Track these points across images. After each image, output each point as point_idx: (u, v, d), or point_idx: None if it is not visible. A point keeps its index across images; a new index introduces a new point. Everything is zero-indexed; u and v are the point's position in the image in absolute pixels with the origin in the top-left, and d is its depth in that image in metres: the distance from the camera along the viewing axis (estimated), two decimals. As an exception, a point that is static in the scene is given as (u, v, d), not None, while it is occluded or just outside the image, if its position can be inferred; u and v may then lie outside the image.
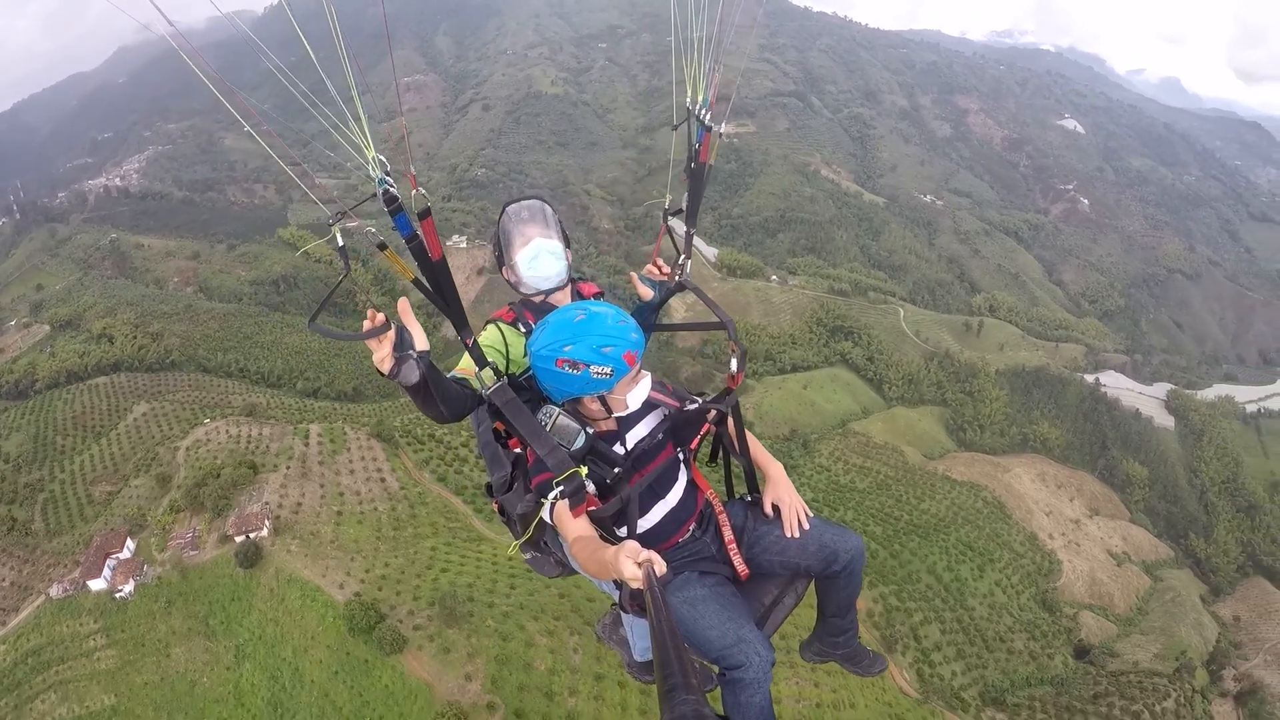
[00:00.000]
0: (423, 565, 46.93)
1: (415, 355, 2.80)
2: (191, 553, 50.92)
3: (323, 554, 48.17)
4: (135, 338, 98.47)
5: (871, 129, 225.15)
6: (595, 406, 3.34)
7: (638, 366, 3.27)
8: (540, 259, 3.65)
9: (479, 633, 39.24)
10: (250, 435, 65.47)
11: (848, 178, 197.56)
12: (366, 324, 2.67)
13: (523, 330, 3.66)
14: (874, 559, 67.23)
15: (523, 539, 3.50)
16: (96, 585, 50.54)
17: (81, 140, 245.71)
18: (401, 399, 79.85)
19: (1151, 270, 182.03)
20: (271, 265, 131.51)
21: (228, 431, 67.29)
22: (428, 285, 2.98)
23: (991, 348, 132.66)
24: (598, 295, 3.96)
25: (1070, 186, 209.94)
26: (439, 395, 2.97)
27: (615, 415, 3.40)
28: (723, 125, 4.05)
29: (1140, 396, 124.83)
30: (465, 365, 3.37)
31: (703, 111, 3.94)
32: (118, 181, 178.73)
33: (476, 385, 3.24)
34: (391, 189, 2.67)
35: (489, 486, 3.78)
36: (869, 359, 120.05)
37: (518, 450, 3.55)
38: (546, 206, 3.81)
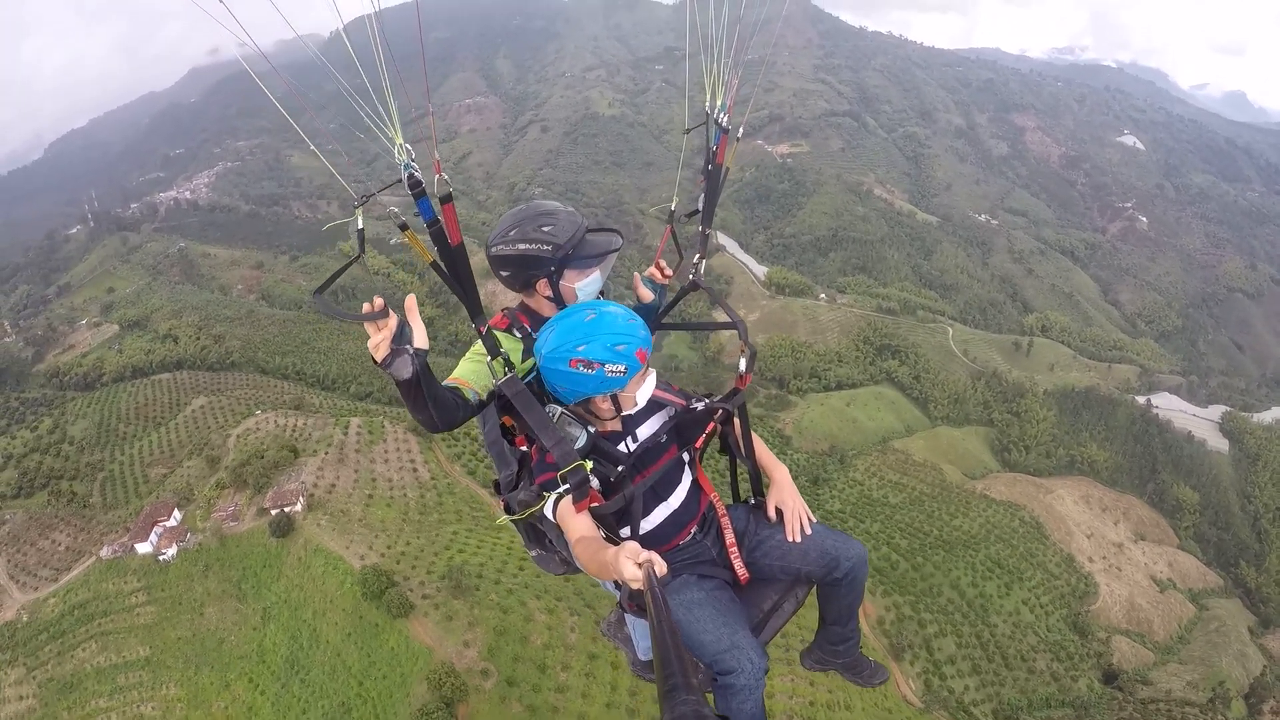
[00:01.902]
0: (441, 546, 49.51)
1: (412, 351, 2.80)
2: (231, 524, 55.00)
3: (349, 530, 51.25)
4: (198, 339, 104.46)
5: (926, 148, 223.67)
6: (606, 405, 3.36)
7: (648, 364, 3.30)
8: (594, 293, 3.71)
9: (481, 605, 41.44)
10: (295, 425, 69.63)
11: (901, 197, 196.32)
12: (366, 307, 2.72)
13: (518, 335, 3.63)
14: (894, 570, 66.84)
15: (515, 517, 3.49)
16: (143, 548, 55.16)
17: (153, 156, 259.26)
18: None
19: (1211, 289, 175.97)
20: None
21: (276, 421, 71.78)
22: (445, 270, 3.06)
23: (1041, 368, 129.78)
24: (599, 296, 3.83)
25: (1129, 204, 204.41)
26: (430, 397, 2.97)
27: (624, 414, 3.44)
28: (740, 130, 4.09)
29: (1194, 419, 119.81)
30: (459, 374, 3.40)
31: (720, 115, 3.96)
32: (188, 195, 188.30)
33: (476, 397, 3.28)
34: (416, 174, 2.77)
35: (496, 484, 3.85)
36: (915, 378, 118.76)
37: (524, 448, 3.62)
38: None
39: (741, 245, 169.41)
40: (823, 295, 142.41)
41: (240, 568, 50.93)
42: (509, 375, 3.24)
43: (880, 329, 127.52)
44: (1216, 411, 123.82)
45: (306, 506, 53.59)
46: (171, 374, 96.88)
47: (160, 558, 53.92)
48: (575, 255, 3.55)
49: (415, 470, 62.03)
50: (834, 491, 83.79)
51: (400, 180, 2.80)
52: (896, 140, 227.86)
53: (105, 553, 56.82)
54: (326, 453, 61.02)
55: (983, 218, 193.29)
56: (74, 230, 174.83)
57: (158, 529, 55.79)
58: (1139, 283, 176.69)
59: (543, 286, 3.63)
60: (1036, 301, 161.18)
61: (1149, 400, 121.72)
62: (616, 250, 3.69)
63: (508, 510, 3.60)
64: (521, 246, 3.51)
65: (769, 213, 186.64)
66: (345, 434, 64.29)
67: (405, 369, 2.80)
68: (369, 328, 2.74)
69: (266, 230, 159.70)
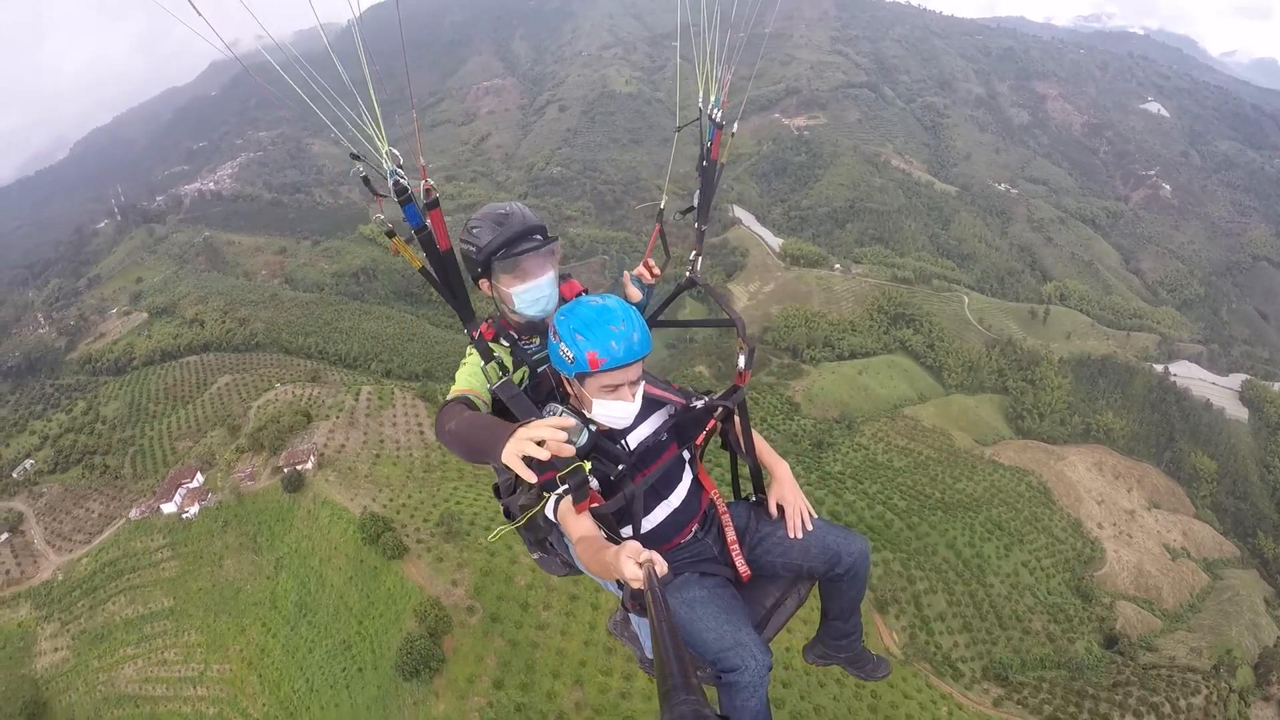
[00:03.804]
0: (441, 499, 52.18)
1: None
2: (249, 483, 58.73)
3: (356, 484, 54.37)
4: (224, 322, 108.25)
5: (945, 118, 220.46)
6: (572, 392, 3.40)
7: (612, 378, 3.23)
8: (539, 301, 3.60)
9: (470, 548, 44.04)
10: (311, 394, 73.25)
11: (920, 168, 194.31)
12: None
13: (505, 343, 3.64)
14: (888, 529, 66.88)
15: (515, 524, 3.48)
16: (168, 508, 59.55)
17: (177, 150, 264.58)
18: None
19: (1236, 258, 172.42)
20: (352, 259, 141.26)
21: (294, 392, 75.48)
22: (435, 276, 3.06)
23: (1058, 336, 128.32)
24: (581, 293, 3.74)
25: (1152, 172, 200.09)
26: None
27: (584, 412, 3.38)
28: (734, 125, 4.08)
29: (1213, 387, 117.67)
30: (465, 385, 3.38)
31: (714, 110, 3.99)
32: (211, 186, 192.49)
33: (480, 406, 3.27)
34: (402, 180, 2.74)
35: (496, 489, 3.80)
36: (929, 346, 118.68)
37: None
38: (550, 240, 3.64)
39: (758, 218, 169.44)
40: (837, 266, 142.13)
41: (256, 522, 54.53)
42: (503, 379, 3.28)
43: (895, 298, 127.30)
44: (1237, 380, 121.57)
45: (317, 465, 56.92)
46: (198, 356, 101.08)
47: (184, 516, 58.25)
48: (500, 258, 3.50)
49: (423, 433, 64.79)
50: (837, 455, 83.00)
51: (388, 167, 2.77)
52: (915, 110, 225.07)
53: (134, 514, 61.50)
54: (338, 417, 64.21)
55: (1002, 187, 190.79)
56: (102, 225, 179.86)
57: (182, 490, 60.08)
58: (1161, 251, 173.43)
59: (485, 286, 3.66)
60: (1055, 270, 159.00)
61: (1167, 368, 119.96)
62: (528, 251, 3.50)
63: (507, 514, 3.65)
64: (462, 245, 3.56)
65: (786, 185, 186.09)
66: (356, 400, 67.46)
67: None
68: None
69: (289, 217, 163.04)
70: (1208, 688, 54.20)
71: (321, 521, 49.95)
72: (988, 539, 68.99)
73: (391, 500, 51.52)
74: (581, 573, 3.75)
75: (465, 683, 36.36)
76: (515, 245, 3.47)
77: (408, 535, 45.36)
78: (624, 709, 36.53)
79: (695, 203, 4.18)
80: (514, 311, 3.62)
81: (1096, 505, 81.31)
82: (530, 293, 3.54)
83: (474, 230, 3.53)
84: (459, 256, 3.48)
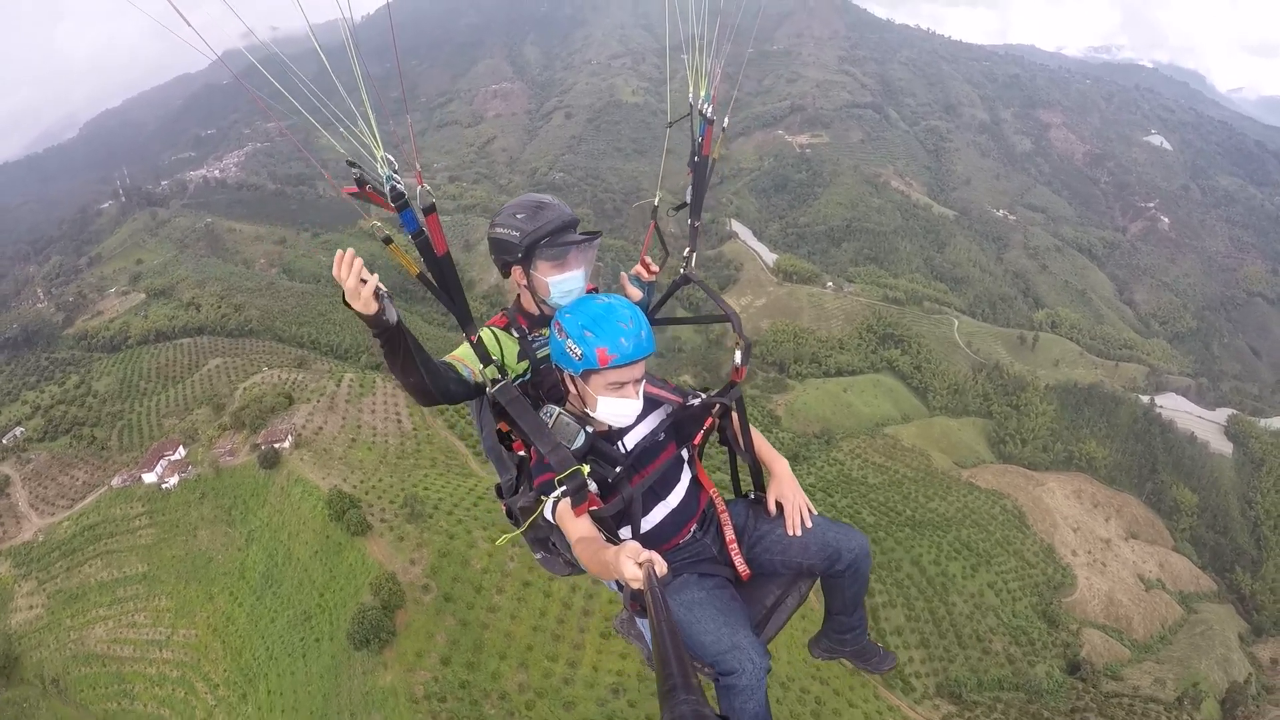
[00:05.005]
0: (410, 484, 53.39)
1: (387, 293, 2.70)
2: (228, 458, 60.42)
3: (330, 465, 55.85)
4: (220, 307, 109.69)
5: (948, 142, 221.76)
6: (573, 390, 3.40)
7: (619, 375, 3.26)
8: (573, 293, 3.59)
9: (431, 530, 45.47)
10: (296, 379, 74.67)
11: (920, 190, 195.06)
12: (347, 259, 2.66)
13: (516, 335, 3.63)
14: None
15: (519, 531, 3.48)
16: (148, 478, 61.58)
17: (185, 136, 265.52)
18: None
19: (1230, 293, 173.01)
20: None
21: (279, 376, 76.90)
22: (433, 281, 3.04)
23: (1046, 363, 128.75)
24: (591, 292, 3.69)
25: (1152, 204, 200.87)
26: (419, 358, 2.93)
27: (586, 412, 3.37)
28: (725, 120, 4.08)
29: (1199, 421, 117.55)
30: (457, 353, 3.40)
31: (705, 105, 3.97)
32: (217, 173, 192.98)
33: (473, 377, 3.26)
34: (399, 186, 2.73)
35: (498, 489, 3.82)
36: (916, 367, 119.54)
37: (522, 453, 3.56)
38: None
39: (755, 233, 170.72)
40: (830, 283, 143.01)
41: (231, 496, 56.29)
42: (501, 383, 3.25)
43: (885, 318, 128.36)
44: (1223, 415, 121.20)
45: (294, 444, 58.50)
46: (192, 338, 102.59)
47: (163, 486, 60.35)
48: (545, 246, 3.49)
49: (399, 421, 66.34)
50: (812, 468, 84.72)
51: (385, 179, 2.74)
52: (918, 133, 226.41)
53: (116, 482, 63.93)
54: (318, 401, 65.84)
55: (1000, 213, 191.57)
56: (106, 205, 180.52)
57: (163, 461, 62.19)
58: (1156, 283, 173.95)
59: (518, 274, 3.62)
60: (1048, 298, 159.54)
61: (1154, 400, 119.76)
62: (579, 243, 3.55)
63: (509, 515, 3.63)
64: (498, 230, 3.56)
65: (785, 202, 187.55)
66: (338, 386, 69.17)
67: (393, 312, 2.79)
68: (345, 271, 2.67)
69: (291, 208, 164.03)
70: (1169, 719, 54.23)
71: (293, 498, 51.50)
72: (954, 558, 69.28)
73: (362, 481, 53.00)
74: (584, 572, 3.62)
75: (414, 657, 37.68)
76: (561, 234, 3.53)
77: (373, 515, 46.84)
78: (565, 694, 37.80)
79: (688, 199, 4.20)
80: (545, 301, 3.65)
81: (1072, 532, 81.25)
82: (567, 283, 3.57)
83: (518, 216, 3.52)
84: (490, 242, 3.61)
